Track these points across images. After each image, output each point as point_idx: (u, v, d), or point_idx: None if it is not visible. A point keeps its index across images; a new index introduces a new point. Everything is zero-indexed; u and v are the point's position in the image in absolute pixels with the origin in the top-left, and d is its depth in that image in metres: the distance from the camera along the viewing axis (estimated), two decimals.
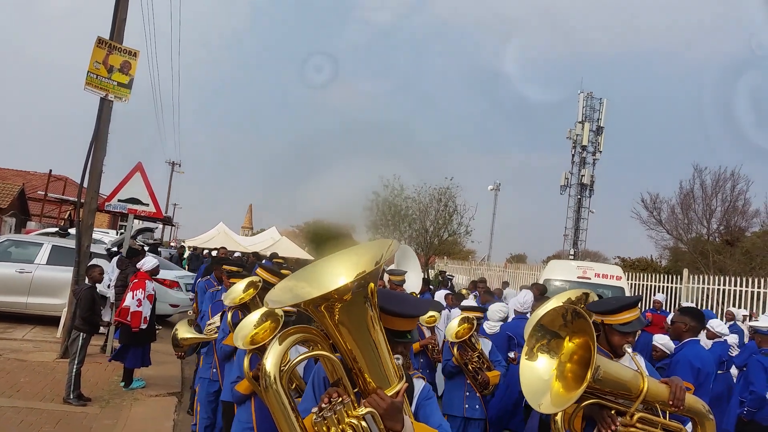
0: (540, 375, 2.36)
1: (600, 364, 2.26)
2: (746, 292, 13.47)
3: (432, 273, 23.56)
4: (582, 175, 34.50)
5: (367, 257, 1.97)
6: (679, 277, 15.07)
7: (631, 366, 2.63)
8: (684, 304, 12.18)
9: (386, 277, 8.97)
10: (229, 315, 4.34)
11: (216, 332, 4.99)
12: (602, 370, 2.29)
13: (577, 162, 34.44)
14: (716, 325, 6.76)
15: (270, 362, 1.87)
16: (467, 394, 4.88)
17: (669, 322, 5.79)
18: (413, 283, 9.80)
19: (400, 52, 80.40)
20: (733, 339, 7.49)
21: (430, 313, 5.71)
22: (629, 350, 2.70)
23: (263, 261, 13.48)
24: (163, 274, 12.16)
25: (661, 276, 15.84)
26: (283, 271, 7.58)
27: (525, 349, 2.42)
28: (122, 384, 7.30)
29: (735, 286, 13.76)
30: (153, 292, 7.47)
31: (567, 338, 2.37)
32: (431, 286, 14.70)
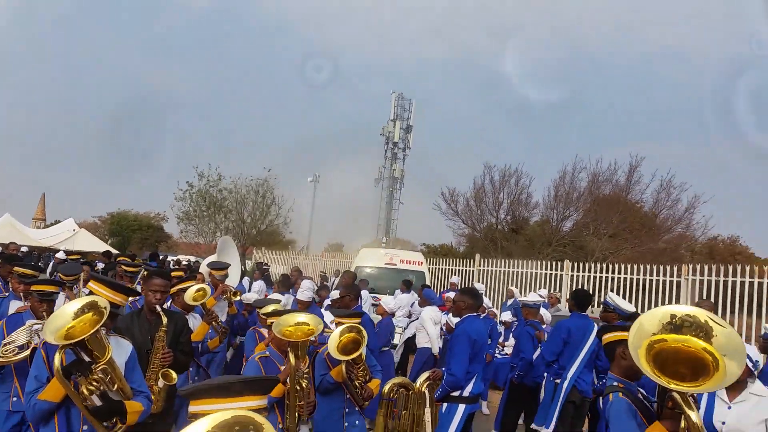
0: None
1: None
2: (527, 273, 15.58)
3: (249, 264, 23.35)
4: (393, 170, 36.61)
5: None
6: (472, 261, 16.93)
7: None
8: (476, 284, 13.72)
9: (205, 269, 8.77)
10: (57, 358, 2.84)
11: (15, 353, 4.02)
12: None
13: (389, 157, 36.46)
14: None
15: None
16: (346, 410, 4.45)
17: (451, 302, 6.60)
18: (232, 276, 9.73)
19: (215, 37, 77.21)
20: (506, 316, 8.76)
21: (198, 286, 5.41)
22: None
23: (64, 261, 12.02)
24: None
25: (457, 260, 17.65)
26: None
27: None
28: None
29: (518, 268, 15.84)
30: None
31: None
32: (247, 277, 14.66)
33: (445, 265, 17.58)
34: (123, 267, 9.03)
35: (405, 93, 34.36)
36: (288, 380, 3.69)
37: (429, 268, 17.64)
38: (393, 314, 9.81)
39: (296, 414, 3.73)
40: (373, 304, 10.95)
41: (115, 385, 3.01)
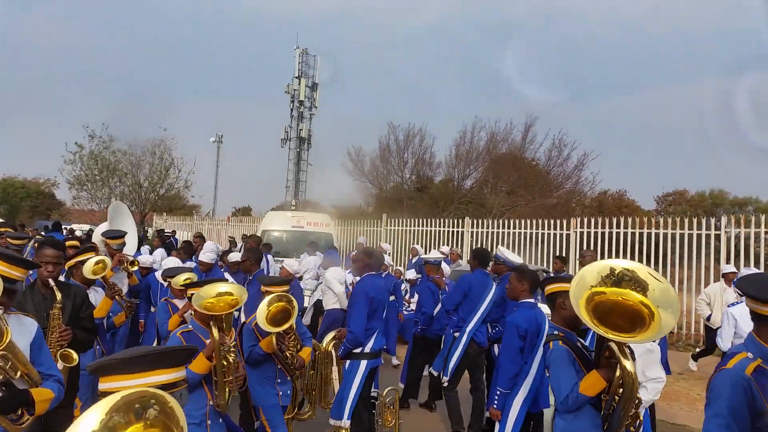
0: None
1: None
2: (431, 231, 16.10)
3: (150, 231, 22.43)
4: (300, 129, 35.88)
5: None
6: (379, 221, 17.24)
7: None
8: (383, 245, 14.02)
9: (99, 238, 8.29)
10: None
11: None
12: None
13: (295, 116, 35.66)
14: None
15: None
16: (278, 380, 4.39)
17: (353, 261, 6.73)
18: (129, 245, 9.33)
19: None
20: (410, 274, 9.07)
21: (97, 258, 4.86)
22: None
23: None
24: None
25: (365, 221, 17.90)
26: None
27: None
28: None
29: (423, 226, 16.33)
30: None
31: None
32: (147, 246, 14.11)
33: (354, 225, 17.78)
34: (8, 239, 8.42)
35: (310, 49, 33.51)
36: (213, 356, 3.49)
37: (338, 230, 17.79)
38: (300, 277, 9.88)
39: (226, 389, 3.56)
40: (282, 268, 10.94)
41: (18, 372, 2.68)
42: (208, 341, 3.58)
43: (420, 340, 7.31)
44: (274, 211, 15.30)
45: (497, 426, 4.40)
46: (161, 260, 10.57)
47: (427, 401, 7.21)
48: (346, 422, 5.13)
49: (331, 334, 5.98)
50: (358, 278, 5.74)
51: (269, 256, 11.30)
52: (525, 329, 4.37)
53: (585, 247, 12.39)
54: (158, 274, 6.99)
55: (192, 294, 3.81)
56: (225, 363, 3.51)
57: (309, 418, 5.48)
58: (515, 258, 6.54)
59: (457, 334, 6.27)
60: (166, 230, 19.05)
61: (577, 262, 10.72)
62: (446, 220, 16.14)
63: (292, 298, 4.14)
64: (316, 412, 5.56)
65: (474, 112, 47.19)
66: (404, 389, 7.24)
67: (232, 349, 3.57)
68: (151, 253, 12.37)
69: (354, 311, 5.19)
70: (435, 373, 6.65)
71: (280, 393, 4.34)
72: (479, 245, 14.47)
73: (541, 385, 5.00)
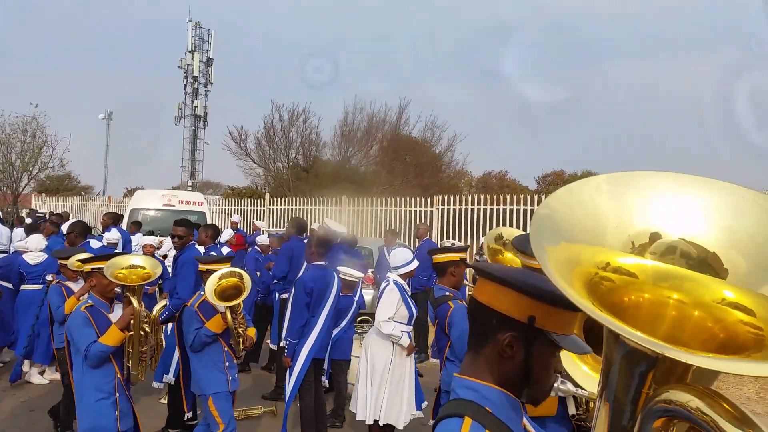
0: None
1: None
2: (312, 210, 16.61)
3: (25, 212, 21.47)
4: (195, 107, 34.58)
5: None
6: (262, 201, 17.57)
7: None
8: (257, 222, 14.34)
9: None
10: None
11: None
12: None
13: (189, 93, 34.34)
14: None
15: None
16: (227, 363, 4.21)
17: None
18: None
19: None
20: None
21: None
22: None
23: None
24: None
25: (247, 200, 18.15)
26: None
27: None
28: None
29: (305, 205, 16.83)
30: None
31: None
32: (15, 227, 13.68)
33: (239, 206, 17.99)
34: None
35: (203, 22, 32.53)
36: (131, 326, 3.56)
37: (223, 209, 17.94)
38: (165, 256, 10.11)
39: (139, 359, 3.68)
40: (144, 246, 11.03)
41: None
42: (111, 315, 3.64)
43: (260, 309, 7.86)
44: (141, 190, 15.23)
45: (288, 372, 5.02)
46: (20, 240, 10.44)
47: (267, 364, 7.80)
48: (171, 378, 5.60)
49: (161, 303, 6.39)
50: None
51: (136, 235, 11.37)
52: (311, 287, 4.98)
53: (445, 223, 13.45)
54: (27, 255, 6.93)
55: (92, 270, 3.80)
56: (142, 333, 3.66)
57: (138, 381, 5.88)
58: (339, 228, 7.19)
59: (284, 296, 6.83)
60: (38, 211, 18.40)
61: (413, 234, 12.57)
62: (326, 199, 16.73)
63: (245, 274, 4.12)
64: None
65: (358, 91, 46.95)
66: (245, 354, 7.77)
67: (145, 319, 3.73)
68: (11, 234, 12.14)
69: (181, 278, 5.63)
70: (273, 346, 7.21)
71: (230, 378, 4.20)
72: (357, 222, 15.24)
73: (342, 339, 5.71)
